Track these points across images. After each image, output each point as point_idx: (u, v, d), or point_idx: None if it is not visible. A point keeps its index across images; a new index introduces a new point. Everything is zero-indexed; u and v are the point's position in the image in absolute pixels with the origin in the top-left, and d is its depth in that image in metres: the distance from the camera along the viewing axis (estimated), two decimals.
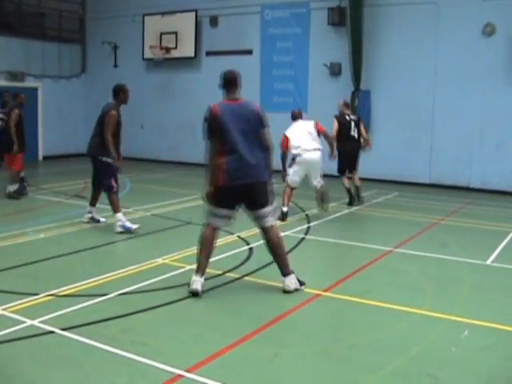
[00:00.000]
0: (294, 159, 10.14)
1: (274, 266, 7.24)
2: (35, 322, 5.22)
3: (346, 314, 5.81)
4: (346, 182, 11.53)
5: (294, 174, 10.11)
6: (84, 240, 8.45)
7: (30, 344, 4.84)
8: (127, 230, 8.80)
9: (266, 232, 6.34)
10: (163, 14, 18.19)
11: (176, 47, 17.97)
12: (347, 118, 11.45)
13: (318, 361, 4.68)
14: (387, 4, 14.91)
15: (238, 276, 6.79)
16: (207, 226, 6.26)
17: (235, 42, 17.28)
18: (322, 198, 10.41)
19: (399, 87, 14.91)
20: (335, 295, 6.25)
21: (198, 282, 6.06)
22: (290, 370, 4.50)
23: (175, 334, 5.15)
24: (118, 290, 6.17)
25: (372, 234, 9.68)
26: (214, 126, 6.05)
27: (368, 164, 15.06)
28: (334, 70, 15.65)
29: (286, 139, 10.09)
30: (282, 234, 8.88)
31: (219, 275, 6.77)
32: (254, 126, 6.13)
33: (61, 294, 6.05)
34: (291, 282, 6.26)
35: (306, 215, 10.49)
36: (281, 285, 6.36)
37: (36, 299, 5.87)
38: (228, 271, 6.93)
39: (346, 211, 11.05)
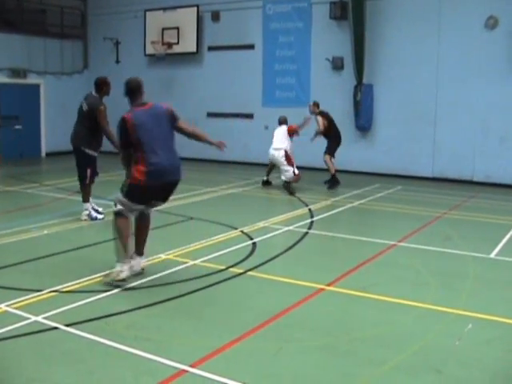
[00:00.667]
0: None
1: (278, 261, 7.28)
2: (39, 318, 5.23)
3: (349, 308, 5.80)
4: (332, 163, 13.15)
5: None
6: (87, 236, 8.47)
7: (34, 340, 4.84)
8: (94, 219, 9.34)
9: (148, 216, 6.62)
10: (165, 9, 18.16)
11: (178, 42, 17.94)
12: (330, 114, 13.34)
13: (321, 355, 4.68)
14: None
15: (241, 271, 6.78)
16: (120, 217, 6.27)
17: (237, 36, 17.26)
18: (289, 188, 12.27)
19: (402, 81, 14.88)
20: (339, 289, 6.25)
21: (126, 272, 6.20)
22: (294, 364, 4.50)
23: (179, 329, 5.15)
24: (122, 285, 6.17)
25: (375, 228, 9.67)
26: (130, 133, 6.09)
27: (371, 158, 15.09)
28: (337, 64, 15.62)
29: None
30: (286, 228, 8.93)
31: (222, 270, 6.77)
32: (169, 125, 6.30)
33: (64, 289, 6.06)
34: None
35: (309, 210, 10.48)
36: (284, 279, 6.38)
37: (40, 295, 5.87)
38: (231, 266, 6.92)
39: (349, 205, 11.04)
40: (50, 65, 19.03)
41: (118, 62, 19.78)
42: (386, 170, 15.10)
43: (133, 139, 6.08)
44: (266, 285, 6.42)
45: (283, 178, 12.41)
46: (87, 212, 9.41)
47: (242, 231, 8.68)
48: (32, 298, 5.79)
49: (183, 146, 19.23)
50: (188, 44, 17.83)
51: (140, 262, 6.54)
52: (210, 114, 17.65)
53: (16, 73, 17.94)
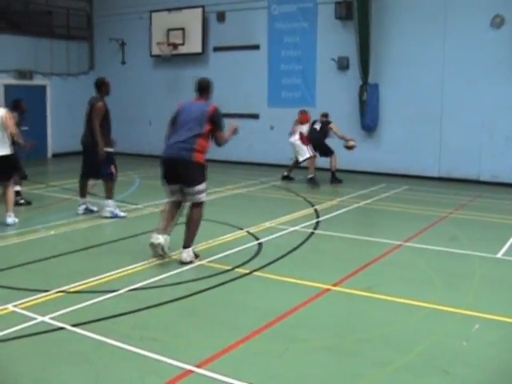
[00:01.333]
0: None
1: (284, 261, 7.29)
2: (46, 319, 5.25)
3: (355, 309, 5.80)
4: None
5: None
6: (94, 236, 8.49)
7: (41, 340, 4.86)
8: (115, 216, 9.45)
9: (190, 209, 7.28)
10: (170, 10, 18.18)
11: (183, 43, 17.97)
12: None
13: (328, 355, 4.67)
14: None
15: (247, 271, 6.79)
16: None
17: (242, 37, 17.26)
18: (313, 182, 13.35)
19: (408, 80, 14.85)
20: (345, 289, 6.25)
21: (155, 237, 7.09)
22: (300, 364, 4.50)
23: (185, 330, 5.15)
24: (128, 285, 6.19)
25: (381, 228, 9.66)
26: (174, 115, 7.32)
27: (377, 158, 15.07)
28: (342, 64, 15.61)
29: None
30: (292, 228, 8.93)
31: (228, 270, 6.78)
32: (200, 121, 7.05)
33: (71, 290, 6.07)
34: (188, 254, 7.07)
35: (315, 210, 10.47)
36: (290, 279, 6.39)
37: (46, 295, 5.89)
38: (237, 266, 6.93)
39: (355, 205, 11.03)
40: (56, 66, 19.08)
41: (123, 62, 19.81)
42: (392, 170, 15.08)
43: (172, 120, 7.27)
44: (272, 285, 6.43)
45: (300, 158, 13.64)
46: (110, 209, 9.52)
47: (248, 231, 8.68)
48: (39, 298, 5.81)
49: None
50: (193, 45, 17.85)
51: (167, 241, 7.17)
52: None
53: (22, 74, 18.00)
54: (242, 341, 4.86)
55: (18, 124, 10.97)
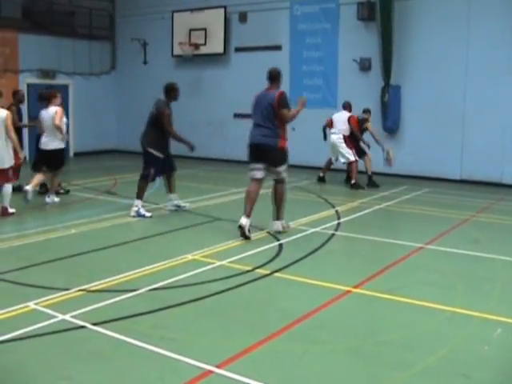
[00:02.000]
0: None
1: (305, 262, 7.27)
2: (67, 317, 5.28)
3: (376, 311, 5.76)
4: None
5: None
6: (114, 236, 8.52)
7: (62, 338, 4.89)
8: (140, 216, 9.53)
9: (277, 184, 8.58)
10: (192, 10, 18.23)
11: (205, 43, 18.00)
12: None
13: (348, 357, 4.65)
14: None
15: (267, 272, 6.78)
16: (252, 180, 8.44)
17: (264, 37, 17.24)
18: (357, 186, 13.00)
19: (430, 82, 14.73)
20: (366, 291, 6.21)
21: (243, 220, 8.16)
22: (320, 366, 4.48)
23: (205, 330, 5.15)
24: (149, 285, 6.20)
25: (402, 231, 9.59)
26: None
27: (398, 160, 14.94)
28: (364, 66, 15.54)
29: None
30: (313, 229, 8.91)
31: (249, 271, 6.77)
32: (269, 107, 8.26)
33: (92, 289, 6.11)
34: (281, 225, 8.58)
35: (336, 211, 10.43)
36: (311, 281, 6.38)
37: (67, 294, 5.93)
38: (258, 267, 6.92)
39: (376, 207, 10.97)
40: (79, 65, 19.23)
41: (145, 62, 19.90)
42: (414, 172, 14.98)
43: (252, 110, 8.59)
44: (293, 286, 6.41)
45: (342, 160, 13.34)
46: (136, 209, 9.60)
47: (268, 232, 8.67)
48: (60, 296, 5.85)
49: (210, 148, 19.24)
50: (215, 45, 17.87)
51: (275, 224, 8.58)
52: (237, 115, 17.65)
53: (45, 73, 18.16)
54: (262, 342, 4.85)
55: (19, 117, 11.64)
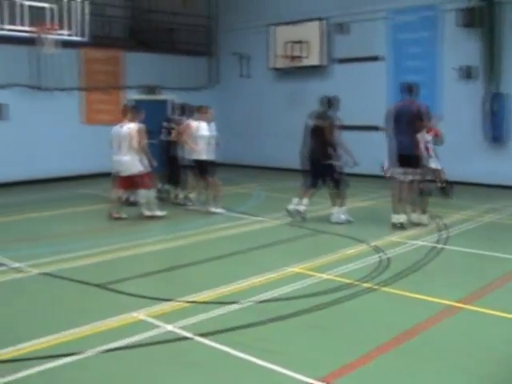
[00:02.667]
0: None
1: (410, 276, 7.07)
2: (172, 328, 5.35)
3: (488, 329, 5.47)
4: None
5: None
6: (217, 248, 8.59)
7: (167, 348, 4.96)
8: (343, 222, 10.15)
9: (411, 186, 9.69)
10: (292, 23, 18.29)
11: (305, 56, 18.00)
12: None
13: (460, 377, 4.44)
14: None
15: (370, 285, 6.63)
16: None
17: (363, 48, 17.02)
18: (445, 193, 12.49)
19: None
20: (476, 308, 5.93)
21: (402, 217, 9.60)
22: None
23: (308, 344, 5.08)
24: (253, 297, 6.21)
25: None
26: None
27: (505, 171, 14.29)
28: (465, 74, 14.99)
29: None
30: (417, 242, 8.65)
31: (351, 284, 6.65)
32: (409, 119, 9.44)
33: (198, 300, 6.17)
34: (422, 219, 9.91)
35: (442, 224, 10.09)
36: (418, 295, 6.21)
37: (174, 305, 6.02)
38: (361, 280, 6.78)
39: (485, 220, 10.52)
40: (181, 81, 19.68)
41: (246, 76, 20.11)
42: None
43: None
44: (398, 301, 6.23)
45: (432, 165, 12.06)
46: (338, 215, 10.19)
47: (371, 245, 8.50)
48: (166, 307, 5.95)
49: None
50: (315, 57, 17.83)
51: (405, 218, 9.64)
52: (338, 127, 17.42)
53: (151, 90, 18.75)
54: (368, 357, 4.73)
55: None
